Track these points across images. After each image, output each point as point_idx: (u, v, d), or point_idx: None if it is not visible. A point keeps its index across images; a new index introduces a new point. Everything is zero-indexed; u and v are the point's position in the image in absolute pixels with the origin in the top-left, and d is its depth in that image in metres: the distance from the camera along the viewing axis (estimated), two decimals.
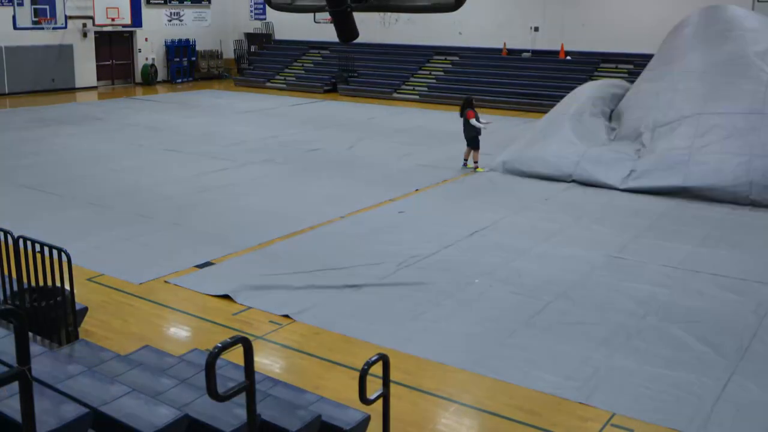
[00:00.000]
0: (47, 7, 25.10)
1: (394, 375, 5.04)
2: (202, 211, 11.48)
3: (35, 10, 24.78)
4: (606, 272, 8.90)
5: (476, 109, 14.51)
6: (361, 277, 8.65)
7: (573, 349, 6.87)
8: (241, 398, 3.71)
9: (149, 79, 29.30)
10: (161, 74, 30.29)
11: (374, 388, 4.40)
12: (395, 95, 25.02)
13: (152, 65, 29.76)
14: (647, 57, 23.87)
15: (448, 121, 19.97)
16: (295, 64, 30.22)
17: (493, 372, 6.46)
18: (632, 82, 23.25)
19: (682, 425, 5.64)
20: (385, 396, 4.22)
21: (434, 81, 26.20)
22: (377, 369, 4.41)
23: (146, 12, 29.19)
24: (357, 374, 6.03)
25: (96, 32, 27.93)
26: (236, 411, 4.24)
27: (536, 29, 25.93)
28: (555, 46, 25.45)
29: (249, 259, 9.33)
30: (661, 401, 5.99)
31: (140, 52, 29.69)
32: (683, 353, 6.81)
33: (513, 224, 10.85)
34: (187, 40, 30.89)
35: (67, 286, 6.16)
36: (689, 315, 7.65)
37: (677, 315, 7.65)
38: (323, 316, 7.58)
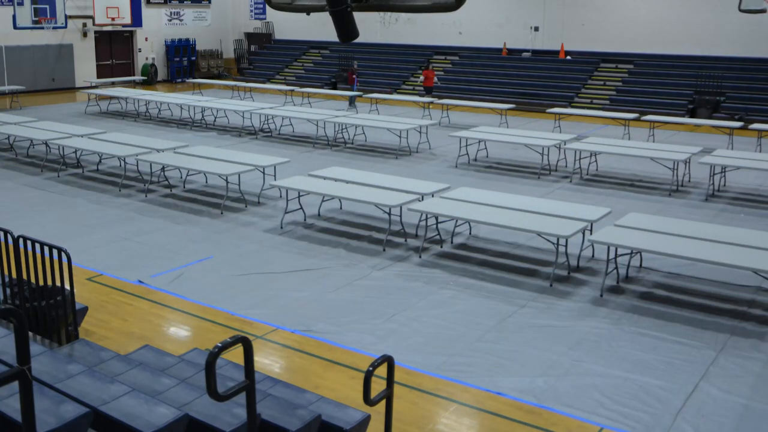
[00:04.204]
0: (47, 6, 25.02)
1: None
2: (202, 210, 11.48)
3: (35, 9, 24.70)
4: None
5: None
6: (337, 278, 8.65)
7: (541, 353, 6.83)
8: (241, 398, 3.70)
9: (149, 78, 29.30)
10: (161, 74, 30.30)
11: (375, 388, 4.40)
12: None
13: (152, 65, 29.76)
14: (647, 57, 24.04)
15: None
16: (295, 63, 30.24)
17: (457, 374, 6.42)
18: (632, 81, 23.42)
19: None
20: (389, 397, 4.21)
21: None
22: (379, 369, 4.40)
23: (146, 11, 29.19)
24: (356, 374, 6.04)
25: (96, 32, 27.93)
26: (236, 411, 4.24)
27: (536, 29, 25.95)
28: (555, 46, 25.47)
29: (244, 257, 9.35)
30: (625, 406, 5.93)
31: (140, 51, 29.69)
32: (653, 358, 6.76)
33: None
34: (187, 40, 30.89)
35: (67, 286, 6.15)
36: (662, 320, 7.59)
37: (650, 320, 7.59)
38: (293, 317, 7.55)
